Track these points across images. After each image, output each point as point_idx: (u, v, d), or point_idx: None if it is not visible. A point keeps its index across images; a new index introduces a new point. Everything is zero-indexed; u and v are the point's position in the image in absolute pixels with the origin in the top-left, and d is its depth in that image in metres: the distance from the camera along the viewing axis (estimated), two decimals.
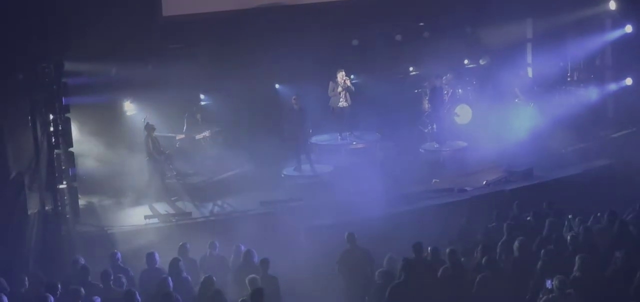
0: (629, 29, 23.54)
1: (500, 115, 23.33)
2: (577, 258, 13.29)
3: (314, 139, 23.15)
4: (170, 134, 22.00)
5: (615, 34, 23.96)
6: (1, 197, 17.52)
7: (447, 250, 14.16)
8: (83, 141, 20.52)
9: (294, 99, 21.88)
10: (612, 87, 24.33)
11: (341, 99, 23.03)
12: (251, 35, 21.62)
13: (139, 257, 15.90)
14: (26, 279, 14.24)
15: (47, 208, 18.52)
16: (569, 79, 25.33)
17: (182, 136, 22.10)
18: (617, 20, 23.93)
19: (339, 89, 22.97)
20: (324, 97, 23.13)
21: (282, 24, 21.79)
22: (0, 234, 16.65)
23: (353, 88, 23.16)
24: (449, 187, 20.40)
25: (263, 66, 21.77)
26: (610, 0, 23.70)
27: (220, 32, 21.68)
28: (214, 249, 15.66)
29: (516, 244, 14.20)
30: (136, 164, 20.91)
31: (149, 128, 20.49)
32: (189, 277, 14.53)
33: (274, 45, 21.22)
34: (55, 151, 18.54)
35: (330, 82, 23.06)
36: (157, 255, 15.11)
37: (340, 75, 22.92)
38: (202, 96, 23.36)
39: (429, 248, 14.66)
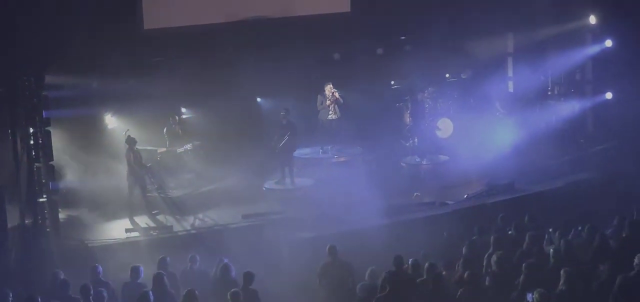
0: (609, 43, 23.65)
1: (482, 129, 23.41)
2: (562, 272, 13.30)
3: (295, 153, 23.11)
4: (151, 148, 21.93)
5: (596, 48, 24.07)
6: None
7: (426, 264, 14.17)
8: (64, 155, 20.43)
9: (283, 113, 21.89)
10: (593, 101, 24.44)
11: (330, 112, 23.12)
12: (232, 48, 21.63)
13: (120, 270, 15.86)
14: (10, 294, 14.16)
15: (27, 222, 18.39)
16: (549, 93, 25.43)
17: (164, 150, 22.04)
18: (598, 34, 24.04)
19: (328, 102, 23.03)
20: (306, 111, 23.17)
21: (263, 37, 21.81)
22: None
23: (342, 100, 23.21)
24: (431, 201, 20.43)
25: (244, 79, 21.74)
26: (590, 15, 23.84)
27: (201, 45, 21.66)
28: (194, 263, 15.60)
29: (494, 258, 14.21)
30: (117, 178, 20.81)
31: (131, 141, 20.41)
32: (173, 291, 14.47)
33: (255, 59, 21.22)
34: (36, 164, 18.46)
35: (319, 95, 23.18)
36: (142, 269, 15.02)
37: (328, 88, 23.03)
38: (183, 109, 23.31)
39: (410, 261, 14.67)
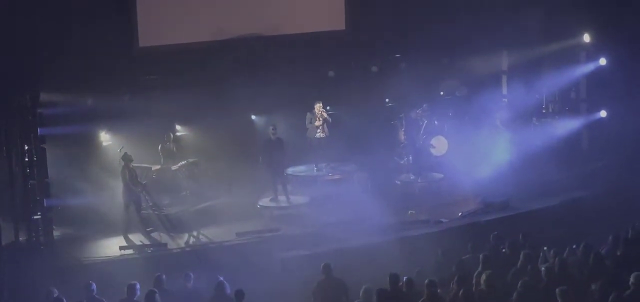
0: (603, 61, 23.71)
1: (477, 147, 23.41)
2: (557, 292, 13.27)
3: (290, 170, 23.11)
4: (146, 165, 21.91)
5: (590, 66, 24.13)
6: None
7: (426, 281, 14.14)
8: (58, 172, 20.39)
9: (272, 128, 21.86)
10: (587, 119, 24.48)
11: (319, 131, 23.05)
12: (227, 66, 21.64)
13: (114, 288, 15.78)
14: None
15: (21, 239, 18.39)
16: (544, 111, 25.47)
17: (159, 167, 22.02)
18: (592, 53, 24.11)
19: (317, 122, 22.99)
20: (300, 128, 23.15)
21: (258, 54, 21.84)
22: None
23: (330, 119, 23.19)
24: (425, 219, 20.42)
25: (239, 97, 21.74)
26: (584, 33, 23.90)
27: (196, 62, 21.68)
28: (188, 281, 15.54)
29: (483, 276, 14.17)
30: (112, 195, 20.79)
31: (127, 158, 20.37)
32: None
33: (250, 76, 21.23)
34: (30, 181, 18.45)
35: (308, 113, 23.11)
36: (138, 287, 14.94)
37: (318, 107, 22.96)
38: (178, 127, 23.31)
39: (405, 278, 14.65)
